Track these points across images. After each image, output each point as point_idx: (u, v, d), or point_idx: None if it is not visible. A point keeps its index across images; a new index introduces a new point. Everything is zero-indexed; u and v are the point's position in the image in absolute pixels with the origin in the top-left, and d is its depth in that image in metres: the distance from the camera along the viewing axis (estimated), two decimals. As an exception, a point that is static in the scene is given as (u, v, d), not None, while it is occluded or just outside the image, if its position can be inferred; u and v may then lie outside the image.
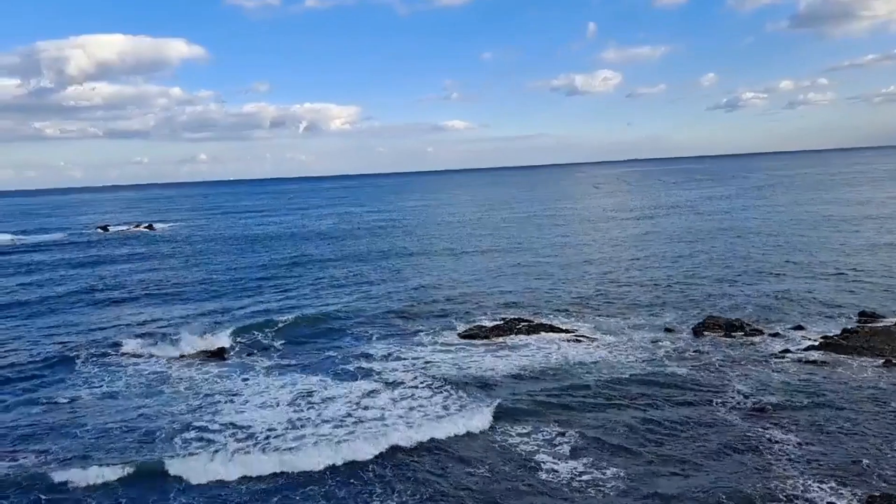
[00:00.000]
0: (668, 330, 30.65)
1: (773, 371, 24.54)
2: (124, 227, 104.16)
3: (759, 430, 19.56)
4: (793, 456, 17.90)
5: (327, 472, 17.98)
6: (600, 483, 16.96)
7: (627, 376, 24.46)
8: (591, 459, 18.14)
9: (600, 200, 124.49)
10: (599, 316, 33.72)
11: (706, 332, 29.69)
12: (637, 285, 40.85)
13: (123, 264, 61.03)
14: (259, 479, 17.81)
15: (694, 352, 27.21)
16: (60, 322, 37.02)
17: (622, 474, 17.29)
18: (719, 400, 21.99)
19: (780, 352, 26.73)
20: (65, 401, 24.13)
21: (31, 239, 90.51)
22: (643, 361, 26.14)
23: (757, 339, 28.73)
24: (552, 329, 31.04)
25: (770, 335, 29.12)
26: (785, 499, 15.81)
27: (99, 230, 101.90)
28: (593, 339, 29.47)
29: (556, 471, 17.64)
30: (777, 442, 18.77)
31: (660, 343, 28.56)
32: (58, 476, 17.96)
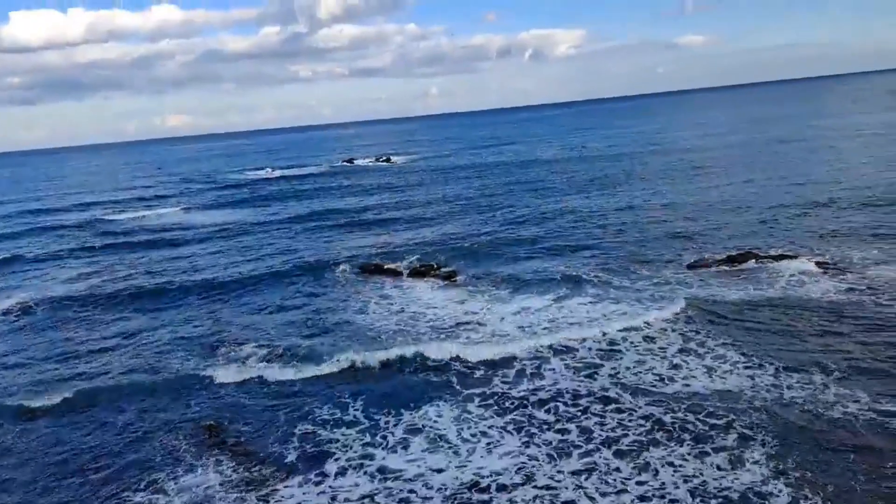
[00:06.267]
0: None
1: None
2: (367, 161, 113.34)
3: None
4: None
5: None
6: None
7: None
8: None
9: (860, 118, 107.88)
10: (849, 248, 30.49)
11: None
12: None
13: (366, 193, 67.69)
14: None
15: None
16: (311, 239, 42.38)
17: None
18: None
19: None
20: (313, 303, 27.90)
21: (289, 172, 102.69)
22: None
23: None
24: (792, 259, 28.91)
25: None
26: None
27: (346, 163, 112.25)
28: (837, 271, 26.97)
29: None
30: None
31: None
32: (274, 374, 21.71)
